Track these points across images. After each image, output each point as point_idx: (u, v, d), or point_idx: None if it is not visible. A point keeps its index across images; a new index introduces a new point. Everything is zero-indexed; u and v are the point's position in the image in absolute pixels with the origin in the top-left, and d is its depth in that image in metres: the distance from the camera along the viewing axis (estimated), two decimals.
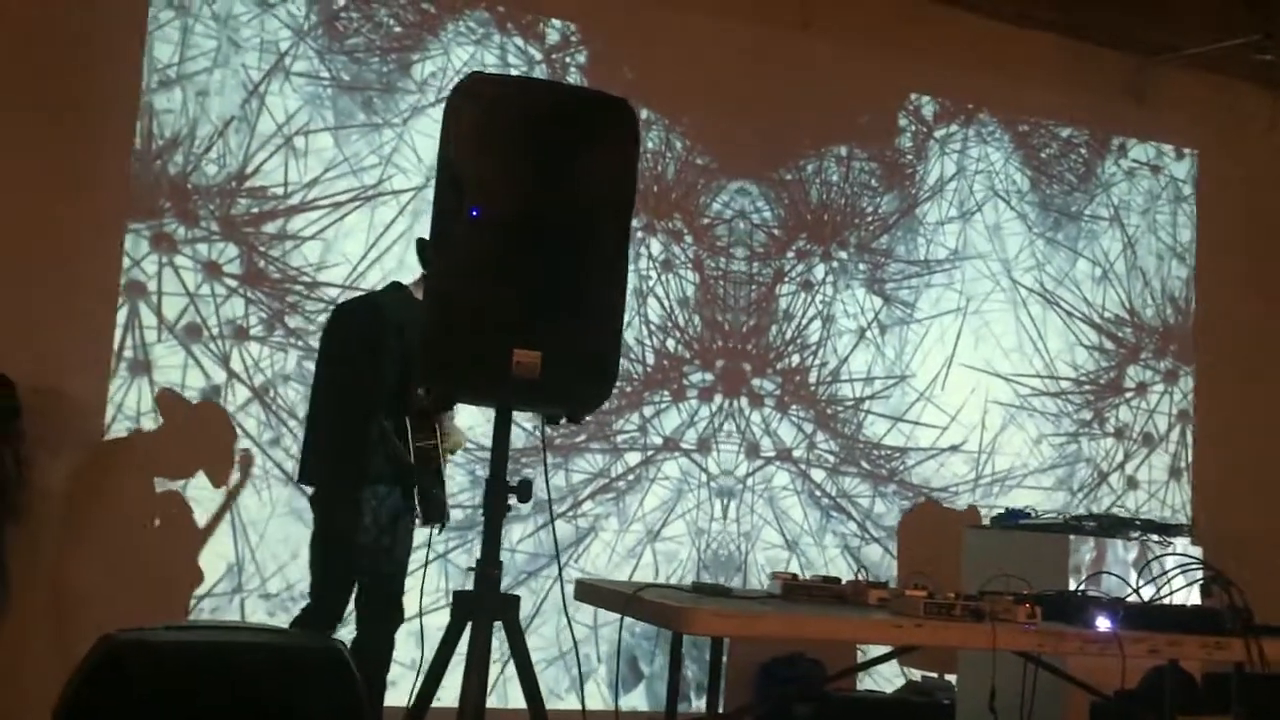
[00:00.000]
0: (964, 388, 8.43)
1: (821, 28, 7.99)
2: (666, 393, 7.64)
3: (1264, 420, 8.95)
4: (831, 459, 8.02)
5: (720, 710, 4.26)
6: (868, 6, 8.16)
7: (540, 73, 7.49)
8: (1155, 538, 5.72)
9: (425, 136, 7.14)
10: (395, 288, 5.62)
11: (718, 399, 7.76)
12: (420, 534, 5.42)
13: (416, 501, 5.20)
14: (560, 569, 4.16)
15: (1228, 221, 9.29)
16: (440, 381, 3.55)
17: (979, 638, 3.72)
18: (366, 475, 5.18)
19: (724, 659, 4.11)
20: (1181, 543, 5.69)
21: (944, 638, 3.83)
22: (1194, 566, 4.41)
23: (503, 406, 3.64)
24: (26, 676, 5.97)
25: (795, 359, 8.02)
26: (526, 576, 7.05)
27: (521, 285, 3.48)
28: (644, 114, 7.58)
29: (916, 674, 7.55)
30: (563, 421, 3.71)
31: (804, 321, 8.05)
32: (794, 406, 7.97)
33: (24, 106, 6.32)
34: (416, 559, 5.48)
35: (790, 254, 8.06)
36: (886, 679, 7.74)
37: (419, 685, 3.52)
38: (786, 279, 8.03)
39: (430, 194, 6.77)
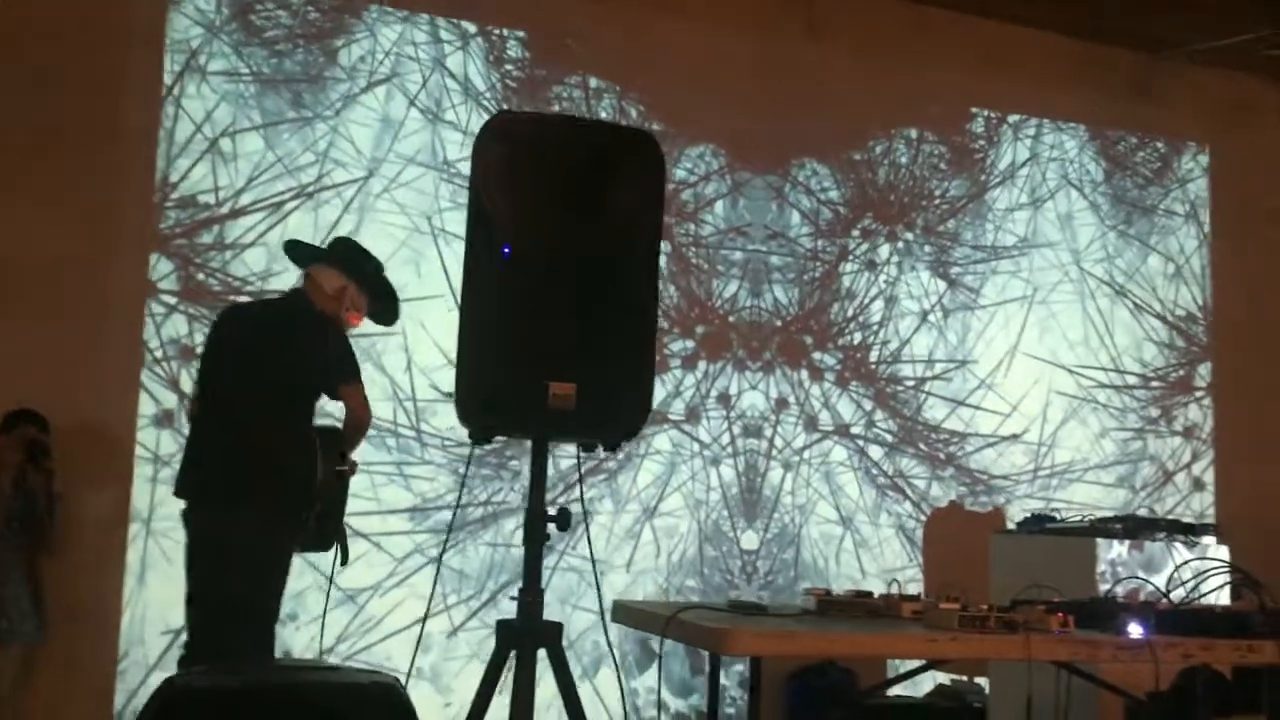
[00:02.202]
0: (1027, 377, 8.27)
1: (822, 34, 7.85)
2: None
3: None
4: (889, 438, 7.95)
5: None
6: (871, 14, 7.99)
7: (477, 46, 7.15)
8: (1182, 538, 5.71)
9: (361, 126, 6.87)
10: (295, 294, 5.06)
11: (702, 365, 7.55)
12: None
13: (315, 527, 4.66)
14: (600, 595, 4.21)
15: (1239, 216, 8.97)
16: (478, 416, 3.61)
17: (1013, 649, 3.75)
18: (254, 491, 4.61)
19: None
20: (1208, 543, 5.67)
21: (978, 650, 3.84)
22: (1221, 569, 4.46)
23: (539, 438, 3.72)
24: (68, 710, 5.98)
25: (857, 337, 7.93)
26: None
27: (554, 319, 3.57)
28: (593, 83, 7.37)
29: (946, 678, 7.39)
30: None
31: (866, 300, 7.97)
32: (854, 383, 7.89)
33: (43, 151, 6.21)
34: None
35: (855, 233, 7.96)
36: (915, 682, 7.48)
37: (466, 716, 3.60)
38: (850, 257, 7.94)
39: (376, 186, 6.82)
